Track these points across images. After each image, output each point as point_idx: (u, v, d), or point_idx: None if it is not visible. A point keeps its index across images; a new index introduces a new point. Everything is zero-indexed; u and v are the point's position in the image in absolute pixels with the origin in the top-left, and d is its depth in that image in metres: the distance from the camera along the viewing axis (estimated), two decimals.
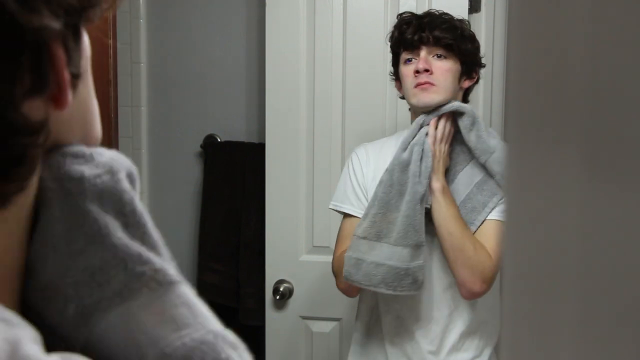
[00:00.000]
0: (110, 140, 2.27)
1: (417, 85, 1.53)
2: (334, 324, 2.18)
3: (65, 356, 0.39)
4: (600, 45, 0.24)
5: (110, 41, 2.29)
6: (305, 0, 2.11)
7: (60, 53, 0.42)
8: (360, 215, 1.60)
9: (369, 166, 1.66)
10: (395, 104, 2.06)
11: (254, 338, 2.29)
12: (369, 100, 2.10)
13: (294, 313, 2.18)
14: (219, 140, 2.33)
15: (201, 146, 2.35)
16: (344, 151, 2.10)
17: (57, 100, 0.43)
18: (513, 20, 0.28)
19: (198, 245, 2.35)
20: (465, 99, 1.63)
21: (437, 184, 1.52)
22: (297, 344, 2.19)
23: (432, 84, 1.52)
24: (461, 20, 1.61)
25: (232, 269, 2.29)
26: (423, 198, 1.50)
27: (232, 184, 2.29)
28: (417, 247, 1.49)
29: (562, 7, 0.25)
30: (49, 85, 0.42)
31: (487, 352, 1.63)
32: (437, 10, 1.61)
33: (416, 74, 1.53)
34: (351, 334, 1.77)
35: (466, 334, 1.60)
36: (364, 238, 1.53)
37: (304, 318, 2.19)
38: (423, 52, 1.54)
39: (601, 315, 0.25)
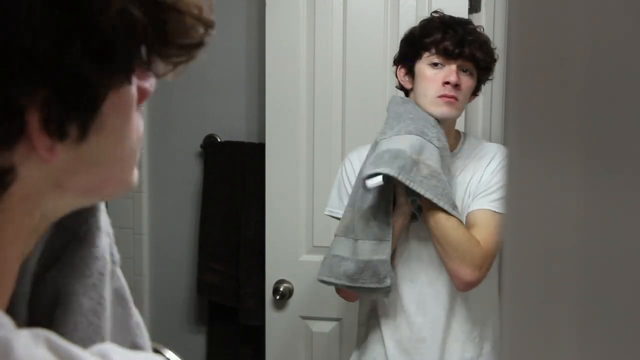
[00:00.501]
0: None
1: (444, 96, 1.51)
2: (334, 324, 2.18)
3: (35, 331, 0.41)
4: (601, 46, 0.24)
5: None
6: (305, 0, 2.11)
7: (34, 119, 0.42)
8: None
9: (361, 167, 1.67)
10: None
11: (254, 338, 2.30)
12: (369, 100, 2.10)
13: (294, 313, 2.18)
14: (219, 140, 2.33)
15: (201, 146, 2.35)
16: (343, 151, 2.10)
17: (40, 155, 0.44)
18: (513, 20, 0.28)
19: (198, 245, 2.35)
20: None
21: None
22: (297, 344, 2.19)
23: (457, 99, 1.52)
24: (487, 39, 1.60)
25: (232, 269, 2.29)
26: (389, 194, 1.51)
27: (232, 184, 2.29)
28: (379, 241, 1.50)
29: (562, 8, 0.25)
30: (16, 145, 0.43)
31: (487, 348, 1.63)
32: (468, 21, 1.59)
33: (445, 85, 1.51)
34: (351, 334, 1.77)
35: (466, 332, 1.60)
36: (336, 235, 1.56)
37: (304, 318, 2.19)
38: (455, 65, 1.51)
39: (601, 315, 0.25)
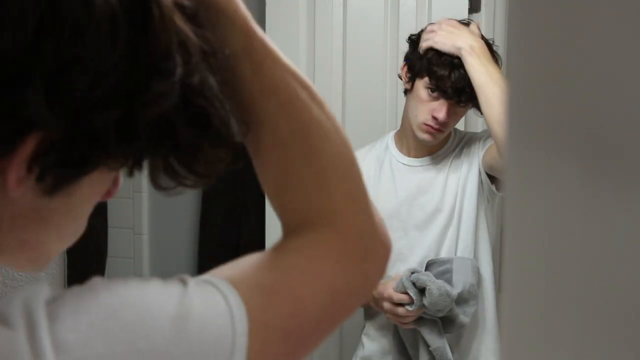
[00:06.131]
0: None
1: (430, 126, 1.52)
2: None
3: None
4: (601, 46, 0.24)
5: None
6: (305, 0, 2.11)
7: (29, 146, 0.42)
8: None
9: None
10: (395, 104, 2.06)
11: None
12: (369, 100, 2.10)
13: None
14: None
15: None
16: None
17: (7, 180, 0.43)
18: (513, 20, 0.28)
19: (198, 245, 2.35)
20: None
21: (465, 44, 1.45)
22: None
23: (442, 131, 1.53)
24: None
25: None
26: None
27: (232, 183, 2.29)
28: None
29: (562, 8, 0.25)
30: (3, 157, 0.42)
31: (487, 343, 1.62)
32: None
33: (433, 117, 1.51)
34: (350, 333, 1.77)
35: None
36: None
37: None
38: (448, 102, 1.50)
39: (600, 317, 0.25)
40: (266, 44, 0.55)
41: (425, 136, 1.54)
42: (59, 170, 0.44)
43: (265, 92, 0.55)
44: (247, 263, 0.55)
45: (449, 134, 1.64)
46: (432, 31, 1.52)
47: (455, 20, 1.54)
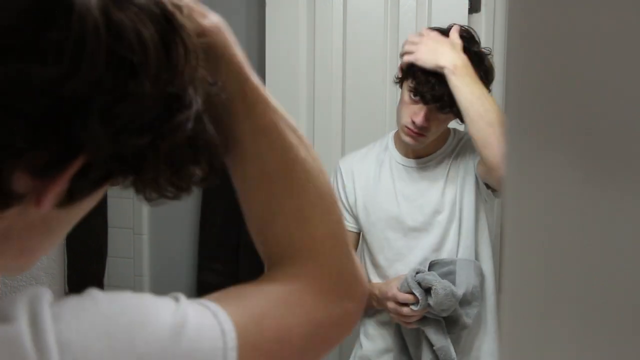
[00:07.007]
0: None
1: (410, 130, 1.52)
2: None
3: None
4: (600, 46, 0.24)
5: None
6: (305, 0, 2.11)
7: (72, 170, 0.46)
8: (352, 229, 1.64)
9: (352, 179, 1.68)
10: (395, 104, 2.05)
11: None
12: (369, 100, 2.10)
13: None
14: None
15: None
16: (343, 151, 2.10)
17: (37, 199, 0.46)
18: (513, 20, 0.28)
19: (198, 245, 2.35)
20: None
21: (448, 63, 1.44)
22: None
23: (423, 136, 1.53)
24: None
25: (232, 269, 2.29)
26: None
27: (232, 183, 2.29)
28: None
29: (562, 8, 0.25)
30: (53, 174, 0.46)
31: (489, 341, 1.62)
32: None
33: (412, 121, 1.51)
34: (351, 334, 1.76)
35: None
36: None
37: None
38: (426, 107, 1.49)
39: (600, 317, 0.25)
40: (259, 89, 0.60)
41: (407, 139, 1.54)
42: (86, 187, 0.48)
43: (256, 131, 0.59)
44: (234, 292, 0.57)
45: (447, 134, 1.63)
46: (413, 43, 1.51)
47: (436, 31, 1.53)
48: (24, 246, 0.50)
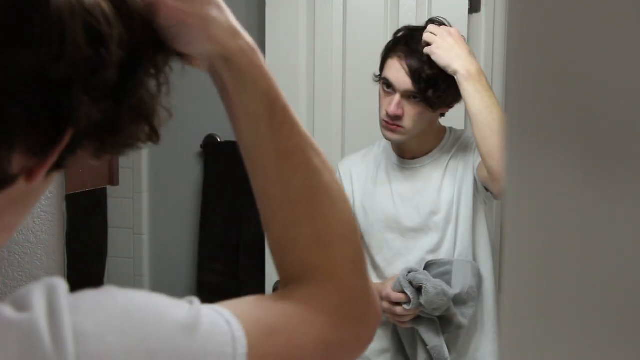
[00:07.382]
0: None
1: (387, 122, 1.53)
2: None
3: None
4: (600, 46, 0.24)
5: None
6: (305, 0, 2.11)
7: (62, 144, 0.48)
8: None
9: (350, 180, 1.69)
10: None
11: None
12: (369, 100, 2.10)
13: None
14: (219, 140, 2.33)
15: (201, 146, 2.35)
16: (343, 151, 2.10)
17: (29, 175, 0.48)
18: (513, 20, 0.28)
19: (198, 245, 2.35)
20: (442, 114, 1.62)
21: (462, 69, 1.44)
22: None
23: (400, 127, 1.53)
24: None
25: (232, 269, 2.29)
26: None
27: (232, 184, 2.29)
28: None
29: (562, 8, 0.25)
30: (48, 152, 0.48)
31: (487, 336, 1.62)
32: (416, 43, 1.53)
33: (386, 113, 1.52)
34: None
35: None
36: None
37: None
38: (398, 95, 1.51)
39: (600, 317, 0.25)
40: (287, 110, 0.60)
41: (386, 133, 1.55)
42: (70, 157, 0.50)
43: (281, 154, 0.60)
44: (248, 301, 0.58)
45: (443, 133, 1.63)
46: (435, 35, 1.50)
47: (459, 32, 1.53)
48: (6, 222, 0.52)
